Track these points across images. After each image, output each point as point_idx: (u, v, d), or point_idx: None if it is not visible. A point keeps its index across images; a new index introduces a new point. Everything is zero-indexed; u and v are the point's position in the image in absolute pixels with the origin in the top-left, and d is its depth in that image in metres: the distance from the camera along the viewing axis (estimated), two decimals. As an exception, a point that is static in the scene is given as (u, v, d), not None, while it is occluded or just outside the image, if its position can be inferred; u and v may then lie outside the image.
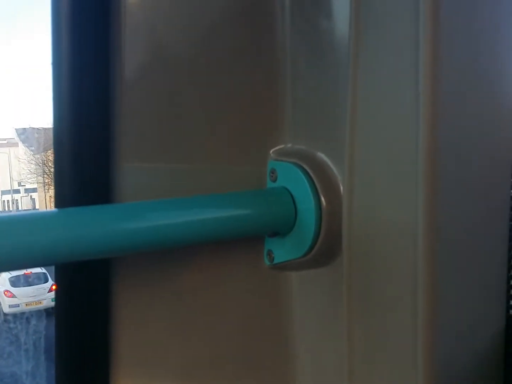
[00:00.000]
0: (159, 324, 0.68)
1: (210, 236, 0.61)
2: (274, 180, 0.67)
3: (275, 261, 0.68)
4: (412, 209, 0.52)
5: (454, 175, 0.52)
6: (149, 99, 0.65)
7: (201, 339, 0.70)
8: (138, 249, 0.58)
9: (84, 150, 0.61)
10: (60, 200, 0.62)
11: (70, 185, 0.61)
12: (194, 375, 0.70)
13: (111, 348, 0.66)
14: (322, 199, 0.61)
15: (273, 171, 0.67)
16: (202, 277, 0.69)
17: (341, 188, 0.61)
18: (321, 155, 0.63)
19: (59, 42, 0.59)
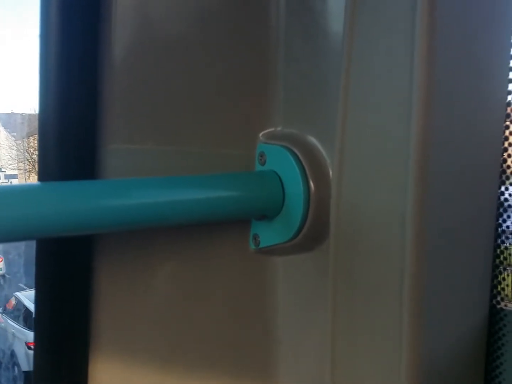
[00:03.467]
0: (141, 306, 0.68)
1: (195, 216, 0.60)
2: (263, 164, 0.66)
3: (261, 245, 0.67)
4: (401, 196, 0.51)
5: (444, 162, 0.52)
6: (137, 80, 0.64)
7: (184, 321, 0.69)
8: (122, 227, 0.57)
9: (70, 131, 0.60)
10: (45, 181, 0.61)
11: (55, 167, 0.60)
12: (175, 357, 0.69)
13: (91, 328, 0.65)
14: (311, 183, 0.61)
15: (262, 155, 0.66)
16: (186, 259, 0.68)
17: (331, 172, 0.61)
18: (312, 139, 0.63)
19: (47, 21, 0.58)
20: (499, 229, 0.57)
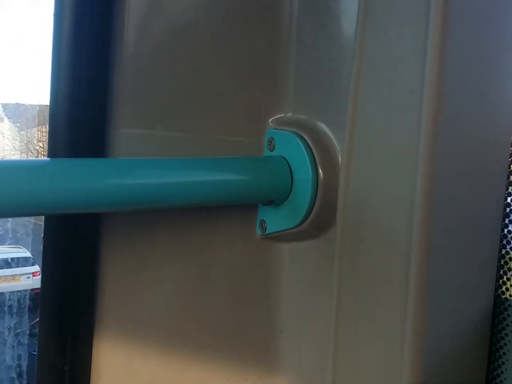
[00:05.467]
0: (145, 288, 0.68)
1: (202, 198, 0.60)
2: (272, 149, 0.66)
3: (268, 231, 0.68)
4: (410, 184, 0.52)
5: (453, 152, 0.52)
6: (147, 65, 0.64)
7: (187, 305, 0.69)
8: (129, 206, 0.57)
9: (80, 116, 0.60)
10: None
11: (65, 151, 0.60)
12: (178, 340, 0.69)
13: (96, 308, 0.65)
14: (320, 169, 0.61)
15: (271, 140, 0.67)
16: (192, 242, 0.68)
17: (340, 159, 0.61)
18: (322, 125, 0.63)
19: (61, 8, 0.58)
20: (506, 220, 0.57)
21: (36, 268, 7.35)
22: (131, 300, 0.67)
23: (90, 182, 0.53)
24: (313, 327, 0.68)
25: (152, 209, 0.63)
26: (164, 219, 0.67)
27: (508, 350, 0.57)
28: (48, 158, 0.58)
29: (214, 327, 0.71)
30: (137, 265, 0.67)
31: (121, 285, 0.66)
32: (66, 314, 0.63)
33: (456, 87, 0.51)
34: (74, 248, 0.63)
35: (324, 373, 0.63)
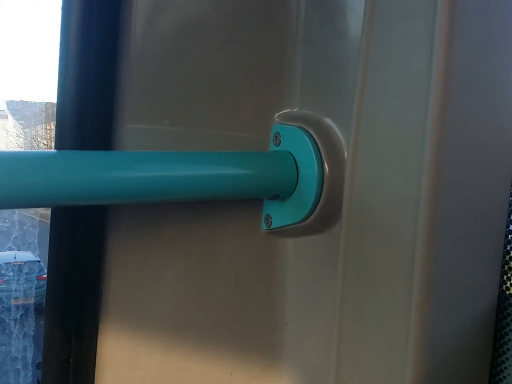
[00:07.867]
0: (150, 280, 0.68)
1: (208, 192, 0.61)
2: (278, 144, 0.67)
3: (273, 226, 0.68)
4: (415, 180, 0.52)
5: (459, 148, 0.52)
6: (155, 60, 0.64)
7: (192, 298, 0.70)
8: (135, 198, 0.58)
9: (87, 111, 0.60)
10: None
11: (72, 145, 0.60)
12: (182, 332, 0.70)
13: (102, 299, 0.66)
14: (325, 164, 0.61)
15: (277, 135, 0.67)
16: (198, 236, 0.69)
17: (345, 154, 0.61)
18: (328, 121, 0.63)
19: (69, 4, 0.59)
20: (511, 216, 0.57)
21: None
22: (136, 293, 0.68)
23: (96, 174, 0.54)
24: (317, 321, 0.68)
25: (157, 202, 0.63)
26: (169, 213, 0.67)
27: None
28: (56, 150, 0.58)
29: (219, 321, 0.71)
30: (142, 258, 0.67)
31: (127, 278, 0.67)
32: (72, 306, 0.64)
33: (463, 85, 0.51)
34: (80, 241, 0.63)
35: (327, 367, 0.63)
